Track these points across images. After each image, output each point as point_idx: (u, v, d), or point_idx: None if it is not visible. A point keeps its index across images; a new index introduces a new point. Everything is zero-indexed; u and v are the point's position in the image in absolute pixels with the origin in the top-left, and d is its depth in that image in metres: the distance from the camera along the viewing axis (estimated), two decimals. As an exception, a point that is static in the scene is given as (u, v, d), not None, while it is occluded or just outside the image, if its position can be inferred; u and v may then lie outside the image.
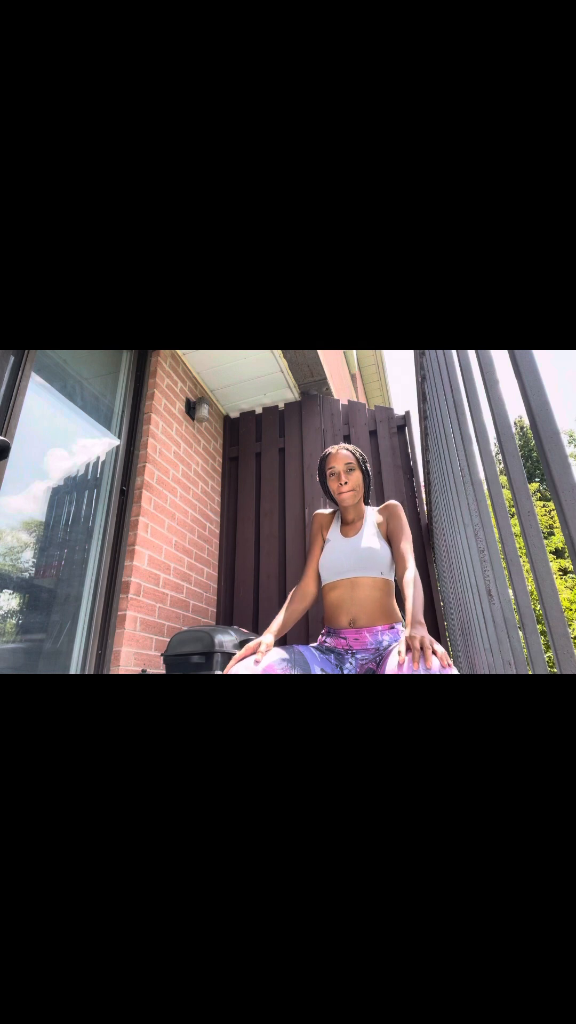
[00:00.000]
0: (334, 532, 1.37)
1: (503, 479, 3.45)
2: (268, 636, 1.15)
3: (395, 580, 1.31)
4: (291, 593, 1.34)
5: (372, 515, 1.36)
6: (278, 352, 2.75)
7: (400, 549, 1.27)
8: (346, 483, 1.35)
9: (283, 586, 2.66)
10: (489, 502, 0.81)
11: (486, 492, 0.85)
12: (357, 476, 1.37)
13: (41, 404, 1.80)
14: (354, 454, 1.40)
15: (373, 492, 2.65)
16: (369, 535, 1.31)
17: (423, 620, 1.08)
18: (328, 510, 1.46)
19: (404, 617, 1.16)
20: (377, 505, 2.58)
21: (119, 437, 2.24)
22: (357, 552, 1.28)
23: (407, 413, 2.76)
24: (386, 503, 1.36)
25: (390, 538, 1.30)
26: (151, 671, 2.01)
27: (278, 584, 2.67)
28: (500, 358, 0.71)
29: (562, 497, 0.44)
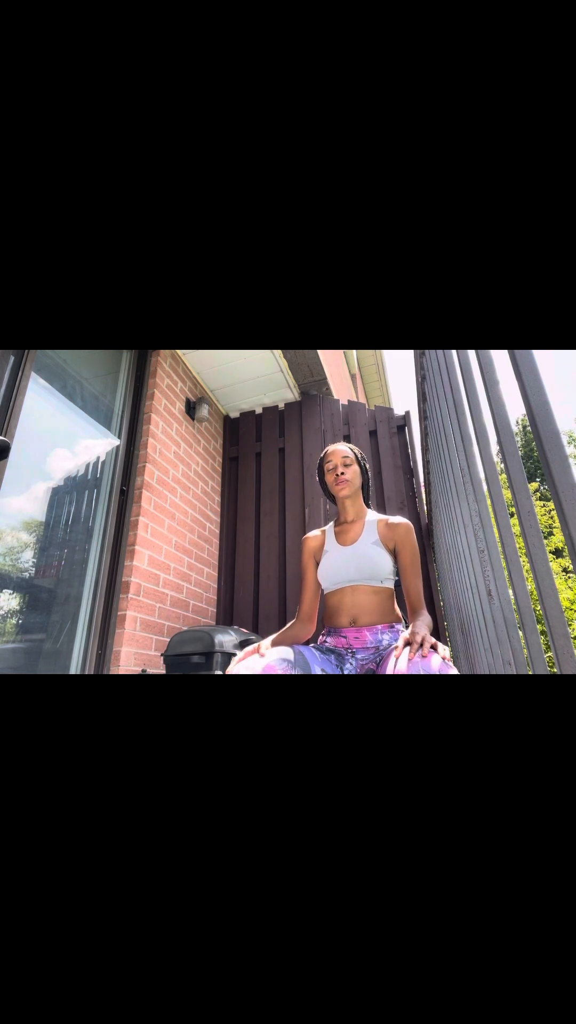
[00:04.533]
0: (331, 543, 1.36)
1: (503, 479, 3.45)
2: (267, 642, 1.17)
3: (396, 587, 1.32)
4: (290, 623, 1.34)
5: (373, 520, 1.35)
6: (278, 352, 2.75)
7: (412, 588, 1.26)
8: (343, 473, 1.35)
9: (283, 586, 2.66)
10: (489, 502, 0.81)
11: (486, 492, 0.85)
12: (354, 469, 1.37)
13: (41, 404, 1.80)
14: (352, 450, 1.41)
15: (373, 493, 2.65)
16: (368, 543, 1.29)
17: (426, 626, 1.09)
18: (317, 531, 1.43)
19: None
20: (378, 509, 2.58)
21: (119, 437, 2.24)
22: (357, 561, 1.27)
23: (407, 413, 2.76)
24: (398, 521, 1.31)
25: (400, 570, 1.29)
26: (151, 671, 2.01)
27: (278, 584, 2.67)
28: (500, 358, 0.71)
29: (562, 497, 0.44)
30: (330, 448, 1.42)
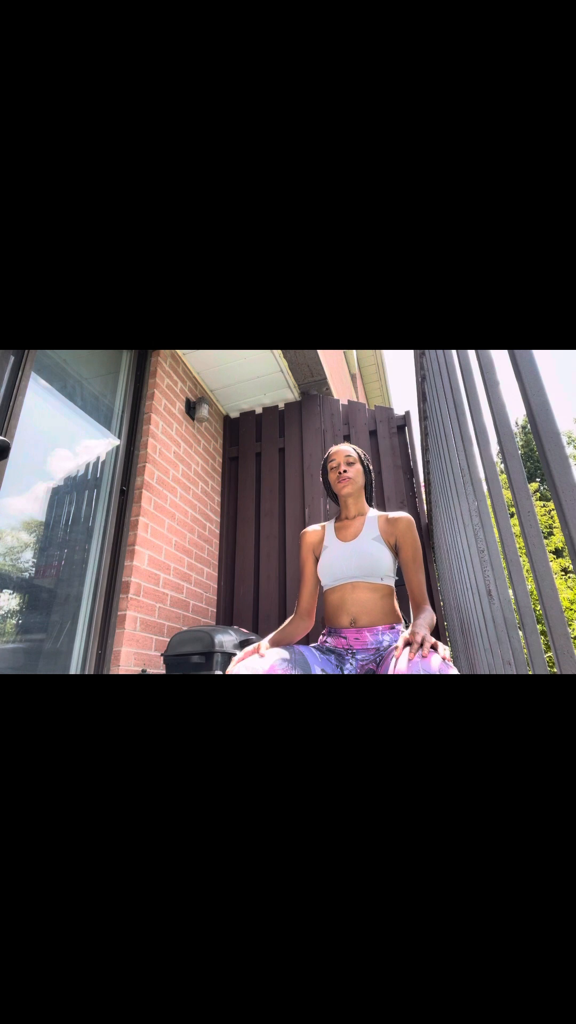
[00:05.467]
0: (331, 539, 1.36)
1: (503, 479, 3.46)
2: (267, 641, 1.18)
3: (397, 585, 1.32)
4: (289, 619, 1.34)
5: (374, 517, 1.35)
6: (278, 352, 2.75)
7: (415, 582, 1.26)
8: (345, 471, 1.36)
9: (283, 586, 2.66)
10: (489, 502, 0.81)
11: (486, 492, 0.85)
12: (357, 468, 1.38)
13: (41, 404, 1.80)
14: (355, 450, 1.42)
15: (374, 493, 2.65)
16: (369, 539, 1.29)
17: (427, 625, 1.09)
18: (316, 526, 1.43)
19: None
20: (380, 508, 2.58)
21: (119, 437, 2.24)
22: (357, 557, 1.26)
23: (407, 413, 2.76)
24: (398, 515, 1.30)
25: (402, 564, 1.29)
26: (151, 671, 2.01)
27: (278, 584, 2.67)
28: (500, 358, 0.71)
29: (562, 497, 0.44)
30: (333, 448, 1.43)
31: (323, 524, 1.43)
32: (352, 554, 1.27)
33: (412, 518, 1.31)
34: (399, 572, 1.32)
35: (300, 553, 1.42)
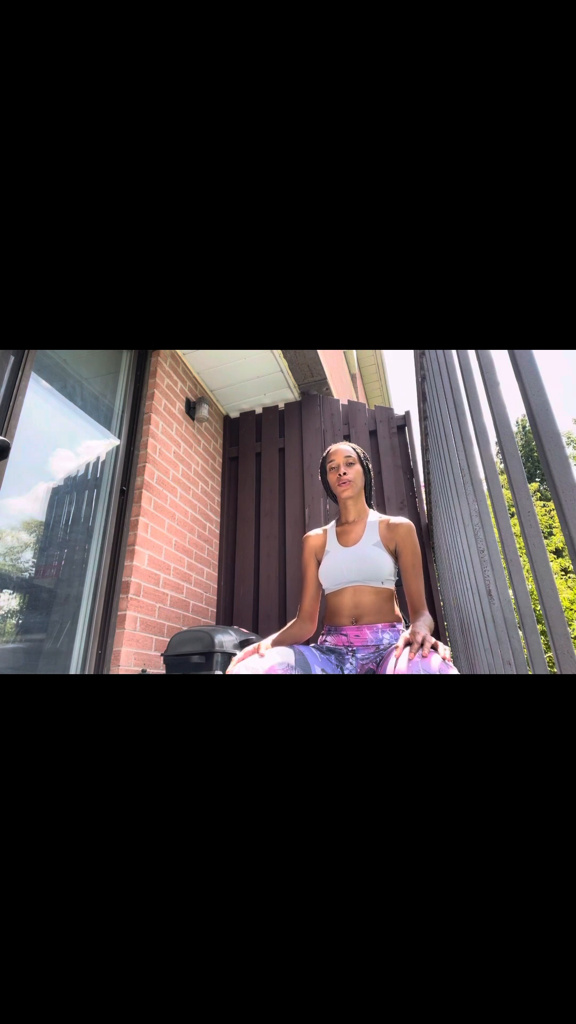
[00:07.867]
0: (332, 543, 1.36)
1: (503, 479, 3.45)
2: (268, 641, 1.18)
3: (397, 587, 1.32)
4: (291, 622, 1.34)
5: (374, 521, 1.34)
6: (278, 352, 2.75)
7: (414, 588, 1.26)
8: (345, 473, 1.35)
9: (283, 586, 2.66)
10: (489, 502, 0.81)
11: (486, 492, 0.85)
12: (357, 469, 1.37)
13: (41, 404, 1.80)
14: (355, 450, 1.41)
15: (374, 493, 2.65)
16: (370, 544, 1.29)
17: (427, 627, 1.09)
18: (319, 530, 1.43)
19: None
20: (378, 509, 2.58)
21: (119, 437, 2.24)
22: (358, 562, 1.27)
23: (407, 413, 2.76)
24: (399, 521, 1.31)
25: (401, 569, 1.29)
26: (151, 671, 2.01)
27: (278, 584, 2.67)
28: (500, 358, 0.71)
29: (562, 497, 0.44)
30: (332, 447, 1.42)
31: (324, 528, 1.42)
32: (353, 559, 1.28)
33: (412, 524, 1.30)
34: (399, 573, 1.32)
35: (302, 557, 1.42)
